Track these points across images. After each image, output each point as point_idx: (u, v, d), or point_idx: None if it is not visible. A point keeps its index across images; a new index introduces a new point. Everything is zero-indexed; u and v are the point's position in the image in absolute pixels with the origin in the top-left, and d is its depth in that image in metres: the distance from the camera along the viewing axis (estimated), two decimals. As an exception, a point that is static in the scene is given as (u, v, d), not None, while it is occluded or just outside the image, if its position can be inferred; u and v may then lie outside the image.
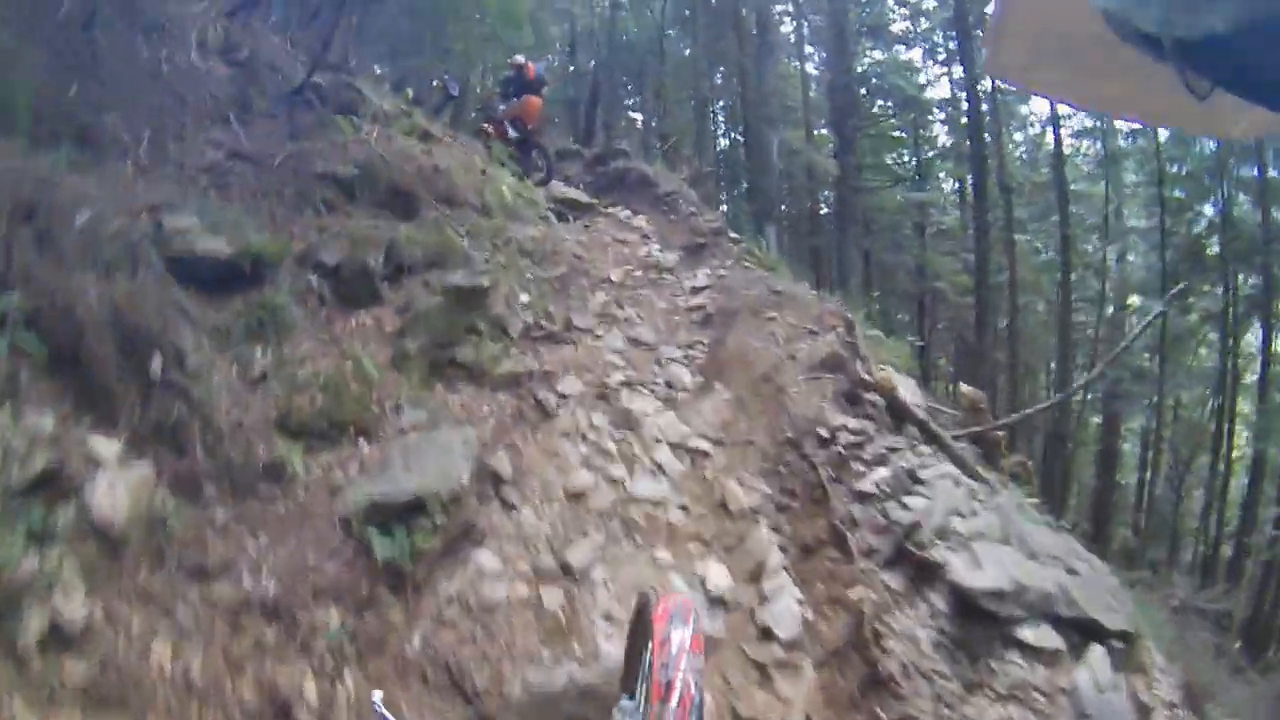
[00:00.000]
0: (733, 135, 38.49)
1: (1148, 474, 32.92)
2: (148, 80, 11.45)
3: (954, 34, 32.20)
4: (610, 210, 20.47)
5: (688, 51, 35.31)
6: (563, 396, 11.65)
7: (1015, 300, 30.56)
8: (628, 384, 12.48)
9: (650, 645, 2.77)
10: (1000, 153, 30.65)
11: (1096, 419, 34.77)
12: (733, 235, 19.04)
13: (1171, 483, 32.16)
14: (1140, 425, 35.25)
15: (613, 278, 15.99)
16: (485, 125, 20.62)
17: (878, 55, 36.03)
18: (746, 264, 17.41)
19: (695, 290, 16.13)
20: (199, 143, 11.43)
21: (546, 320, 13.14)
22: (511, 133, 20.19)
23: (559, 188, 20.88)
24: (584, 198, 20.25)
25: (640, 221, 19.76)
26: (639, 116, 39.96)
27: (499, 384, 11.26)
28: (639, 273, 16.71)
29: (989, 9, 27.33)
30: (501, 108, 20.71)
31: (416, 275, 11.82)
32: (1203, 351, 33.17)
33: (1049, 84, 4.00)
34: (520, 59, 20.79)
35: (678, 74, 35.69)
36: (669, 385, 12.80)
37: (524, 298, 13.12)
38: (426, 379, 10.74)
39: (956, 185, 37.02)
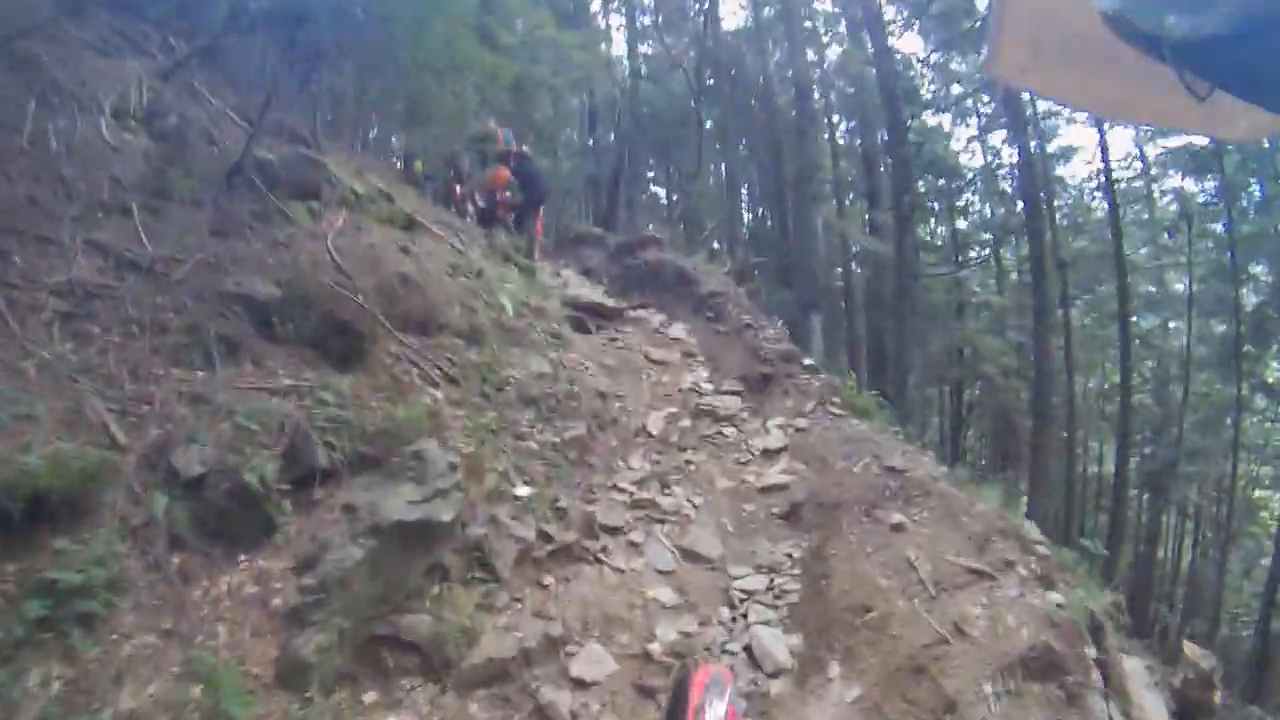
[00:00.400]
0: (759, 211, 33.28)
1: (1184, 547, 30.53)
2: (26, 160, 8.05)
3: (993, 98, 27.94)
4: (640, 315, 15.03)
5: (709, 124, 29.97)
6: (582, 693, 6.58)
7: (1072, 383, 26.35)
8: (685, 655, 7.21)
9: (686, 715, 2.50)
10: (1052, 224, 26.10)
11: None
12: (807, 362, 13.21)
13: (1215, 560, 27.95)
14: (1178, 497, 30.42)
15: (651, 429, 10.81)
16: (455, 187, 17.04)
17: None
18: (833, 408, 11.71)
19: (768, 454, 10.67)
20: (73, 248, 7.53)
21: (556, 523, 8.31)
22: (481, 204, 16.83)
23: (575, 284, 15.84)
24: (608, 300, 14.96)
25: (679, 331, 14.40)
26: (662, 191, 35.04)
27: (474, 681, 6.40)
28: (686, 420, 11.39)
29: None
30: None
31: (339, 487, 6.93)
32: (1246, 423, 27.97)
33: (1049, 85, 3.54)
34: (493, 125, 17.40)
35: (703, 147, 30.35)
36: (751, 657, 7.35)
37: (521, 488, 8.34)
38: (345, 680, 5.96)
39: (992, 258, 32.45)
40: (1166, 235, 29.06)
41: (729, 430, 11.16)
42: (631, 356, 12.87)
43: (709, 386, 12.35)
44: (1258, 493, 30.16)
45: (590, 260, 17.94)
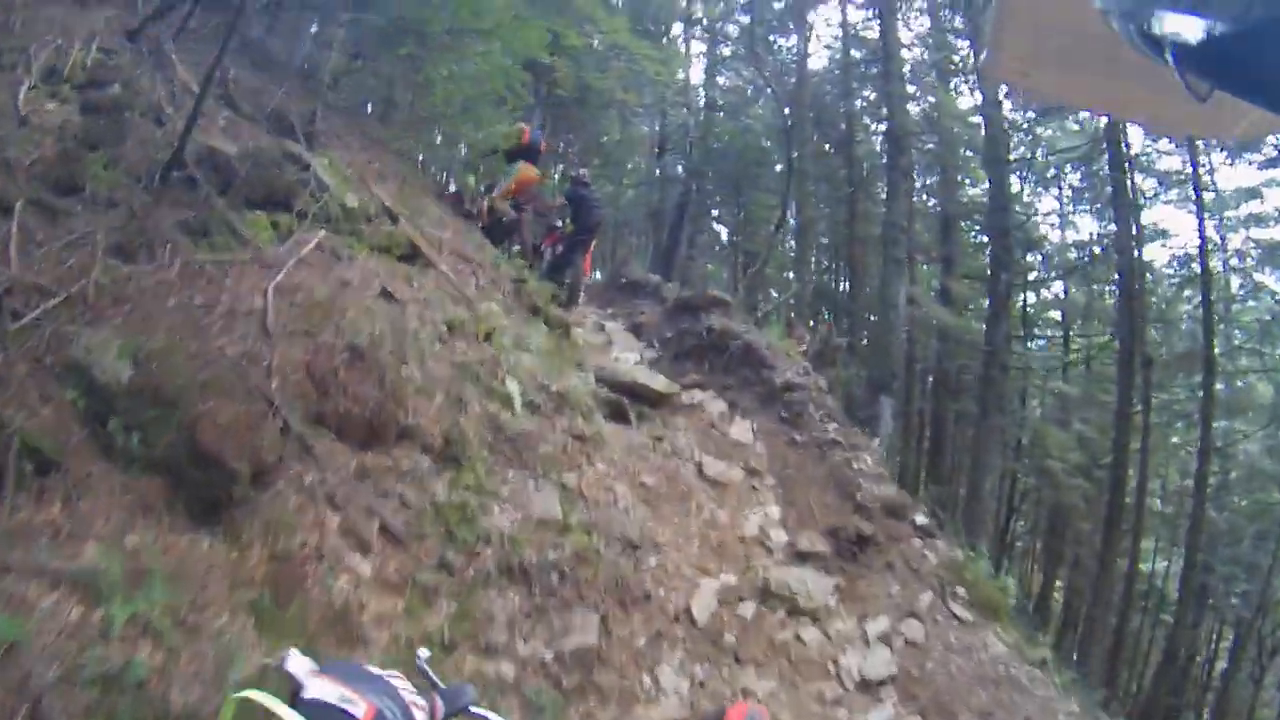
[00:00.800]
0: (828, 266, 29.45)
1: (1219, 655, 27.79)
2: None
3: (1085, 171, 25.31)
4: (696, 398, 11.02)
5: (779, 168, 26.62)
6: None
7: (1144, 488, 22.50)
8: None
9: None
10: (1143, 316, 22.32)
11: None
12: (919, 521, 9.04)
13: (1253, 674, 25.61)
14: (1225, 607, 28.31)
15: (696, 613, 6.77)
16: (478, 201, 13.32)
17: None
18: (957, 605, 7.61)
19: (867, 688, 6.58)
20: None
21: None
22: (510, 213, 13.29)
23: (620, 344, 12.49)
24: (656, 383, 10.61)
25: (743, 432, 10.39)
26: (724, 231, 31.91)
27: None
28: (749, 605, 7.31)
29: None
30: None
31: None
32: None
33: (1049, 86, 3.41)
34: (522, 124, 13.84)
35: (788, 194, 26.11)
36: None
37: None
38: None
39: (1062, 342, 28.65)
40: (1240, 334, 26.10)
41: (810, 633, 7.03)
42: (680, 470, 8.79)
43: (781, 538, 8.28)
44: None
45: (642, 314, 13.89)
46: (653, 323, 13.43)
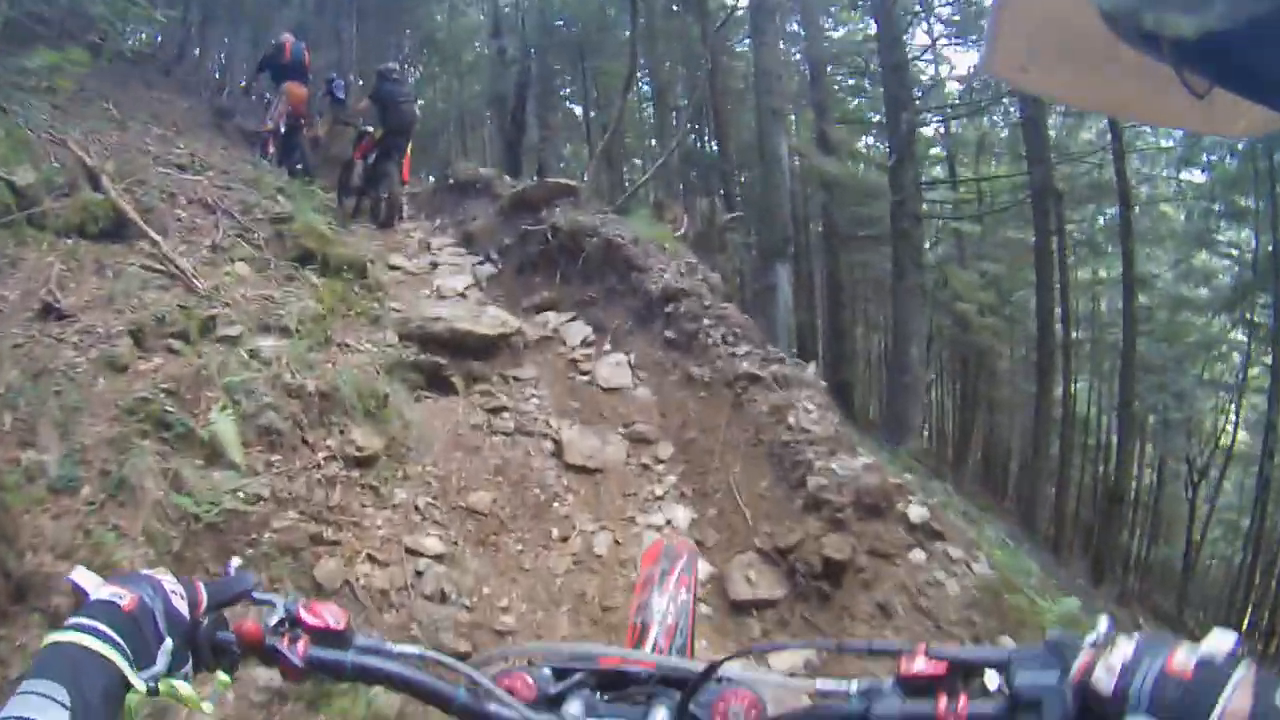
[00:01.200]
0: (690, 126, 26.63)
1: (1142, 475, 27.47)
2: None
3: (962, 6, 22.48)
4: (547, 327, 7.73)
5: (627, 33, 23.22)
6: None
7: (1068, 328, 22.21)
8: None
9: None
10: (1050, 146, 21.01)
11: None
12: (914, 515, 4.93)
13: (1187, 495, 25.79)
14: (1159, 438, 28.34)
15: None
16: (263, 129, 12.69)
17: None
18: None
19: None
20: None
21: None
22: (278, 130, 12.36)
23: (448, 268, 9.30)
24: (483, 323, 6.97)
25: (619, 374, 7.00)
26: (579, 109, 29.02)
27: None
28: None
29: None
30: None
31: None
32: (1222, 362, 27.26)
33: (1048, 84, 2.94)
34: (286, 36, 12.86)
35: (620, 58, 23.48)
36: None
37: None
38: None
39: (950, 179, 27.17)
40: (1137, 160, 24.04)
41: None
42: (531, 461, 5.46)
43: (701, 575, 4.84)
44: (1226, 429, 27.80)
45: (475, 220, 10.42)
46: (487, 229, 9.95)
